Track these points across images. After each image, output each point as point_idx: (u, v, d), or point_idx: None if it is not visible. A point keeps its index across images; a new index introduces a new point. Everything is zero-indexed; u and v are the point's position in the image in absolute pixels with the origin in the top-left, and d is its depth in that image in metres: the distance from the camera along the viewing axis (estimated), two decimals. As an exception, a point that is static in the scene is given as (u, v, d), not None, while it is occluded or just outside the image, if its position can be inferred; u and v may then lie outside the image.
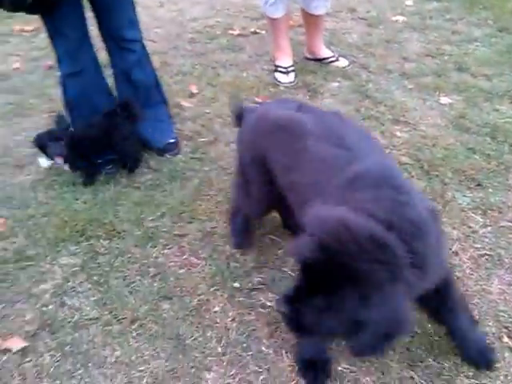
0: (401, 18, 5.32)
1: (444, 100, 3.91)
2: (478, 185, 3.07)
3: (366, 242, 1.42)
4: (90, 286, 2.62)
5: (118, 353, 2.31)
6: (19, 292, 2.62)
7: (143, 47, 3.41)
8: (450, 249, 2.68)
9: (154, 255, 2.76)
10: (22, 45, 5.29)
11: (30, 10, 2.93)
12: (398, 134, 3.53)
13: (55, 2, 2.87)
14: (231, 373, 2.21)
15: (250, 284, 2.58)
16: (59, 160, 3.20)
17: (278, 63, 4.34)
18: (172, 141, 3.51)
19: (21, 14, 2.99)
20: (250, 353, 2.28)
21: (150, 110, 3.51)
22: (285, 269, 2.64)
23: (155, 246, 2.82)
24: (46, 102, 4.20)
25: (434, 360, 2.20)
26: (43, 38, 5.06)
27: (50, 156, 3.22)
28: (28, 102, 4.23)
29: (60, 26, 3.03)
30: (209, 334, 2.36)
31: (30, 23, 5.54)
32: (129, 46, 3.30)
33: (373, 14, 5.47)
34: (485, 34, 4.95)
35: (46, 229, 2.95)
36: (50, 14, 2.97)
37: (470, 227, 2.81)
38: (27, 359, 2.30)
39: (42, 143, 3.20)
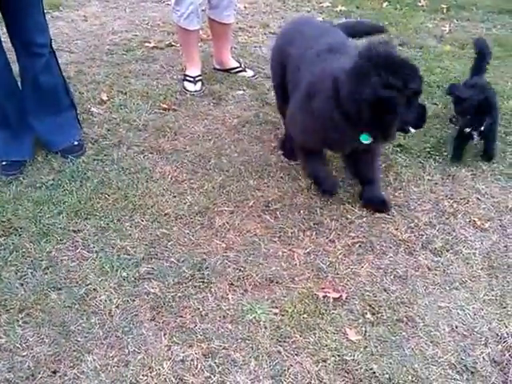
0: (309, 33, 5.49)
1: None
2: (361, 182, 3.25)
3: None
4: (-19, 279, 2.65)
5: (2, 340, 2.37)
6: None
7: (51, 52, 3.43)
8: (327, 237, 2.86)
9: (48, 250, 2.83)
10: None
11: None
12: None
13: None
14: (111, 354, 2.31)
15: (137, 274, 2.69)
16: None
17: (187, 73, 4.48)
18: (76, 143, 3.58)
19: None
20: (131, 336, 2.39)
21: (59, 114, 3.59)
22: (172, 259, 2.77)
23: (49, 242, 2.88)
24: None
25: (300, 335, 2.37)
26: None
27: None
28: None
29: None
30: (93, 320, 2.46)
31: None
32: (38, 51, 3.31)
33: (284, 29, 5.64)
34: (386, 48, 5.17)
35: None
36: None
37: (347, 218, 3.01)
38: None
39: None
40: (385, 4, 6.29)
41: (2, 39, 3.22)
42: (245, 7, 6.05)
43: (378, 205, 3.07)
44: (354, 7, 6.20)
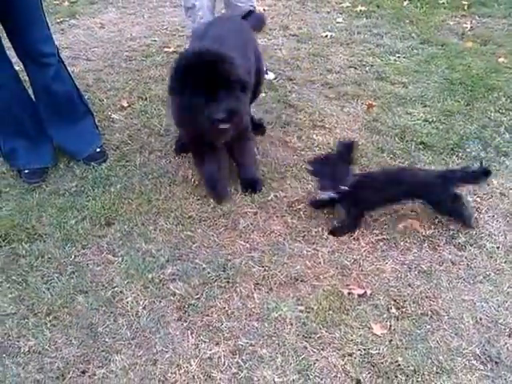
0: (329, 34, 5.53)
1: (361, 106, 4.10)
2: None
3: None
4: (8, 285, 2.69)
5: (31, 343, 2.40)
6: None
7: (60, 60, 3.44)
8: (351, 236, 2.86)
9: (73, 255, 2.85)
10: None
11: None
12: (315, 137, 3.72)
13: None
14: (139, 354, 2.33)
15: (162, 276, 2.70)
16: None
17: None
18: (98, 150, 3.61)
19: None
20: (158, 335, 2.41)
21: (77, 122, 3.61)
22: (197, 260, 2.77)
23: (74, 247, 2.90)
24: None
25: (326, 331, 2.38)
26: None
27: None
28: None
29: None
30: (120, 322, 2.48)
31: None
32: (46, 61, 3.32)
33: (303, 31, 5.68)
34: (407, 46, 5.20)
35: (-31, 236, 3.00)
36: None
37: (371, 216, 3.00)
38: None
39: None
40: (405, 3, 6.32)
41: (8, 52, 3.24)
42: (264, 10, 6.07)
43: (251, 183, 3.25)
44: (375, 7, 6.23)
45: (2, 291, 2.66)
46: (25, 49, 3.22)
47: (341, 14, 6.14)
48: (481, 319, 2.45)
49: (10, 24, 3.11)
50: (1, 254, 2.87)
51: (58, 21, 6.06)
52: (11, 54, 3.25)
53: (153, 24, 6.11)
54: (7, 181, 3.40)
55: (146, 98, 4.37)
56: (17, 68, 3.34)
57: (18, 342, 2.41)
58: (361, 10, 6.14)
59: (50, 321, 2.50)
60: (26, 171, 3.44)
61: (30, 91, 3.47)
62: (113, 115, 4.15)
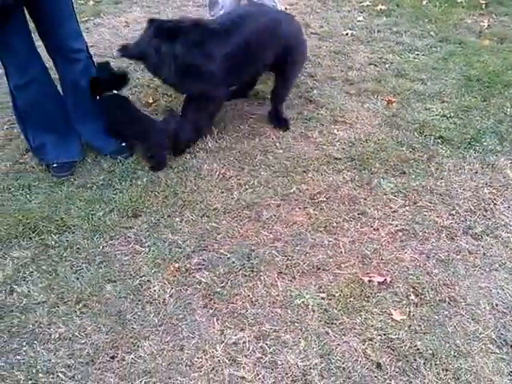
0: (350, 32, 5.59)
1: (380, 102, 4.17)
2: (403, 172, 3.35)
3: None
4: (39, 275, 2.77)
5: (61, 330, 2.49)
6: (-29, 283, 2.77)
7: (88, 56, 3.52)
8: (371, 226, 2.93)
9: (101, 245, 2.94)
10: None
11: None
12: (336, 132, 3.80)
13: (4, 13, 2.94)
14: (166, 340, 2.41)
15: (189, 265, 2.78)
16: None
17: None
18: (124, 144, 3.69)
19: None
20: (185, 322, 2.49)
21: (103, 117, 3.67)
22: (222, 250, 2.86)
23: (102, 238, 2.99)
24: None
25: (347, 317, 2.46)
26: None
27: None
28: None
29: (8, 38, 3.10)
30: (148, 309, 2.56)
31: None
32: (76, 56, 3.40)
33: (325, 29, 5.75)
34: (426, 44, 5.26)
35: (-1, 228, 3.10)
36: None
37: (390, 208, 3.08)
38: (-25, 341, 2.46)
39: None
40: (424, 2, 6.36)
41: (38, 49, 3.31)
42: (286, 8, 6.13)
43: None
44: (394, 5, 6.28)
45: (33, 281, 2.74)
46: (55, 45, 3.30)
47: (361, 12, 6.20)
48: (497, 305, 2.53)
49: (41, 21, 3.19)
50: (31, 245, 2.95)
51: (83, 20, 6.12)
52: (41, 50, 3.32)
53: (178, 22, 6.16)
54: (36, 175, 3.48)
55: (170, 95, 4.44)
56: (46, 65, 3.40)
57: (49, 329, 2.49)
58: (381, 9, 6.19)
59: (79, 309, 2.58)
60: (55, 165, 3.52)
61: (59, 87, 3.55)
62: (138, 112, 4.21)
